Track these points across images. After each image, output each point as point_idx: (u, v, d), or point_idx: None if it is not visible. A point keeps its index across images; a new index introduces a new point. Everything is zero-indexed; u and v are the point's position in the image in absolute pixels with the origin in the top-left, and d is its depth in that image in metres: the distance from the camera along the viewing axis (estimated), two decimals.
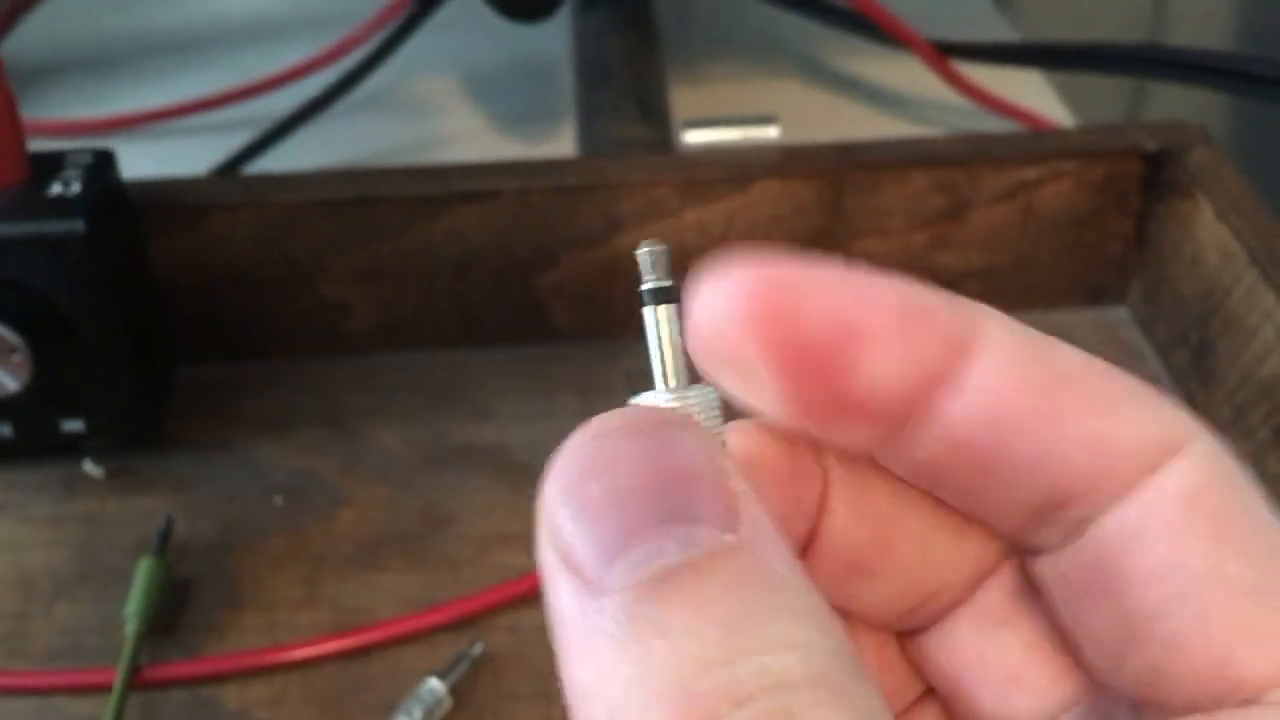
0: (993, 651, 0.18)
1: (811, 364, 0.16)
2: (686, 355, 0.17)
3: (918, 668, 0.20)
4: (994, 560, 0.18)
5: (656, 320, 0.17)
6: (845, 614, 0.19)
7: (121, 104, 0.60)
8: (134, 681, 0.36)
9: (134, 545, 0.40)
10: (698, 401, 0.16)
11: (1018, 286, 0.48)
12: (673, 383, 0.17)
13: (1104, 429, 0.16)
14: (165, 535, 0.39)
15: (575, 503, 0.14)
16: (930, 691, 0.20)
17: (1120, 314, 0.49)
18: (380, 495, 0.42)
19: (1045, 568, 0.17)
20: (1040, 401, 0.16)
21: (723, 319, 0.16)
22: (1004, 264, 0.47)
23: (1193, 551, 0.16)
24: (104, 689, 0.36)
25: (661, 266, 0.17)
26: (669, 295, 0.17)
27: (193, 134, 0.59)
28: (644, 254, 0.17)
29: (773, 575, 0.14)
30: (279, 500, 0.42)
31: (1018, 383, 0.16)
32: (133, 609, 0.37)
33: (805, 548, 0.18)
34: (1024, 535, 0.18)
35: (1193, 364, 0.44)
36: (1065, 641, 0.18)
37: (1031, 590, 0.18)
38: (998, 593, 0.18)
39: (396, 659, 0.37)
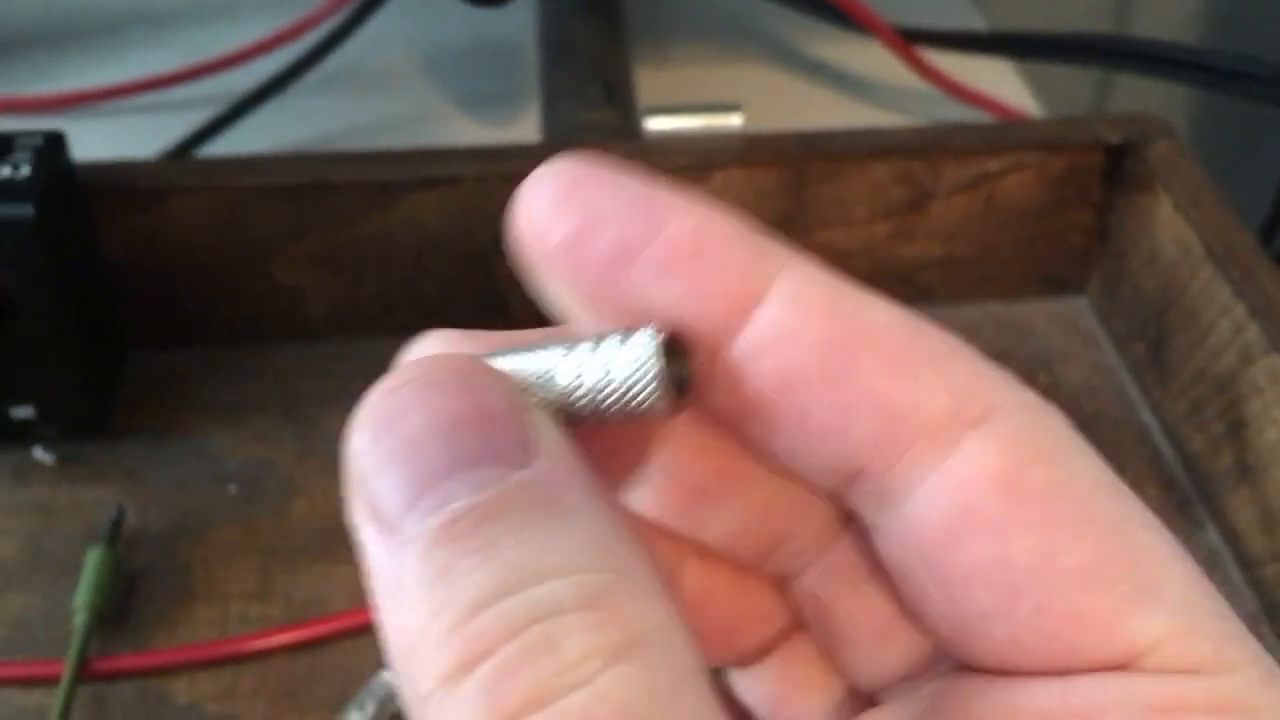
0: (859, 605, 0.18)
1: (599, 278, 0.16)
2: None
3: (795, 610, 0.19)
4: (844, 512, 0.18)
5: None
6: (698, 545, 0.19)
7: (76, 81, 0.59)
8: (83, 673, 0.35)
9: (85, 535, 0.39)
10: (518, 361, 0.16)
11: (979, 277, 0.48)
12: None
13: (899, 393, 0.15)
14: (116, 525, 0.39)
15: (376, 451, 0.14)
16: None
17: (1080, 305, 0.49)
18: (335, 484, 0.41)
19: (878, 538, 0.17)
20: (832, 361, 0.15)
21: (530, 214, 0.16)
22: (965, 254, 0.47)
23: (1020, 543, 0.15)
24: (53, 681, 0.35)
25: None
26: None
27: (149, 112, 0.58)
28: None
29: (558, 507, 0.14)
30: (232, 489, 0.41)
31: (807, 339, 0.15)
32: (81, 600, 0.36)
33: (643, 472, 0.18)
34: (841, 500, 0.17)
35: (1150, 357, 0.45)
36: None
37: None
38: (862, 545, 0.18)
39: (350, 651, 0.37)
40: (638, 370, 0.15)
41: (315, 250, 0.44)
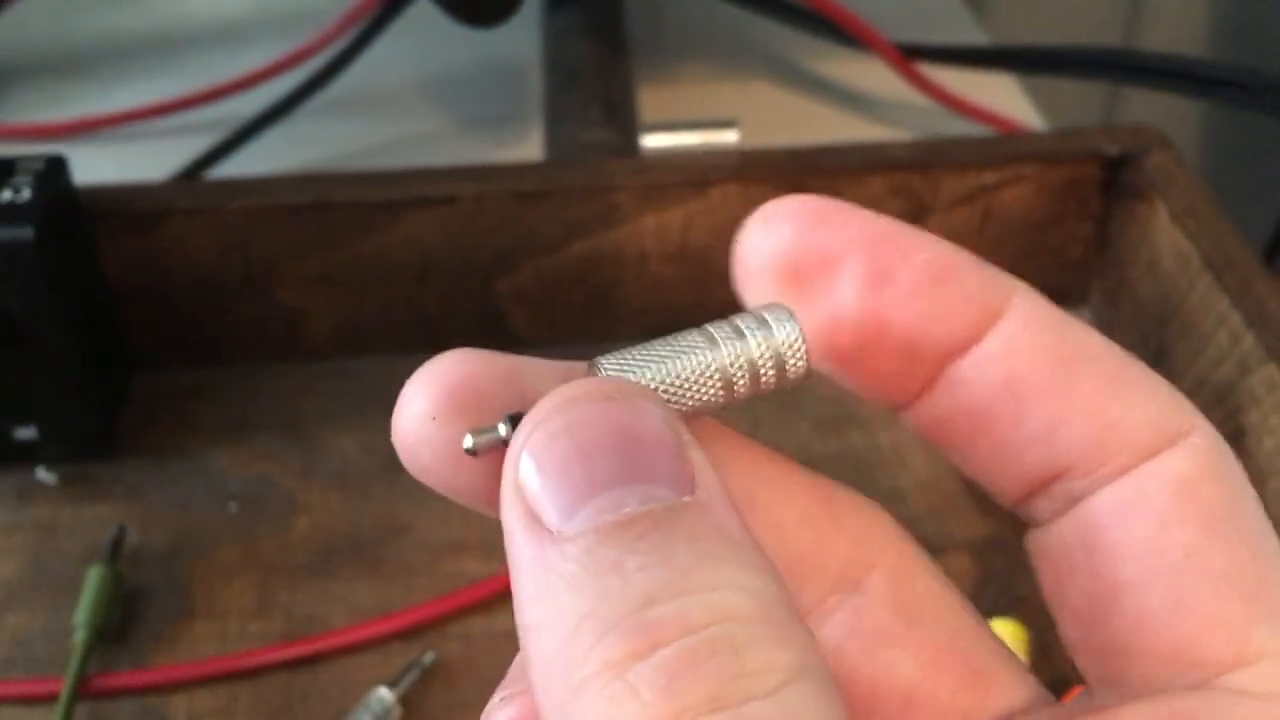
0: (884, 672, 0.18)
1: (853, 296, 0.17)
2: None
3: None
4: (861, 562, 0.18)
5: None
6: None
7: (86, 107, 0.60)
8: (82, 691, 0.36)
9: (86, 554, 0.39)
10: (656, 375, 0.16)
11: None
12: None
13: (1112, 408, 0.17)
14: (116, 544, 0.39)
15: (541, 458, 0.15)
16: None
17: (1081, 317, 0.48)
18: (336, 502, 0.42)
19: (1038, 539, 0.18)
20: (1055, 373, 0.17)
21: (764, 249, 0.17)
22: None
23: (1176, 536, 0.16)
24: (53, 699, 0.35)
25: (487, 435, 0.16)
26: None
27: (157, 137, 0.59)
28: (476, 443, 0.16)
29: (724, 531, 0.14)
30: (234, 508, 0.42)
31: (1036, 353, 0.17)
32: (82, 618, 0.37)
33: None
34: (1023, 504, 0.18)
35: (1151, 367, 0.44)
36: (969, 648, 0.18)
37: (916, 603, 0.18)
38: (883, 610, 0.18)
39: (347, 668, 0.37)
40: (792, 342, 0.17)
41: (316, 270, 0.45)
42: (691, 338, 0.17)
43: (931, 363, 0.17)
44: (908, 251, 0.17)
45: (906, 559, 0.18)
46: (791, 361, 0.17)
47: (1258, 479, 0.38)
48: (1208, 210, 0.43)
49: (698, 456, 0.15)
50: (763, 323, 0.17)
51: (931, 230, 0.53)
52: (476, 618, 0.38)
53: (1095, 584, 0.17)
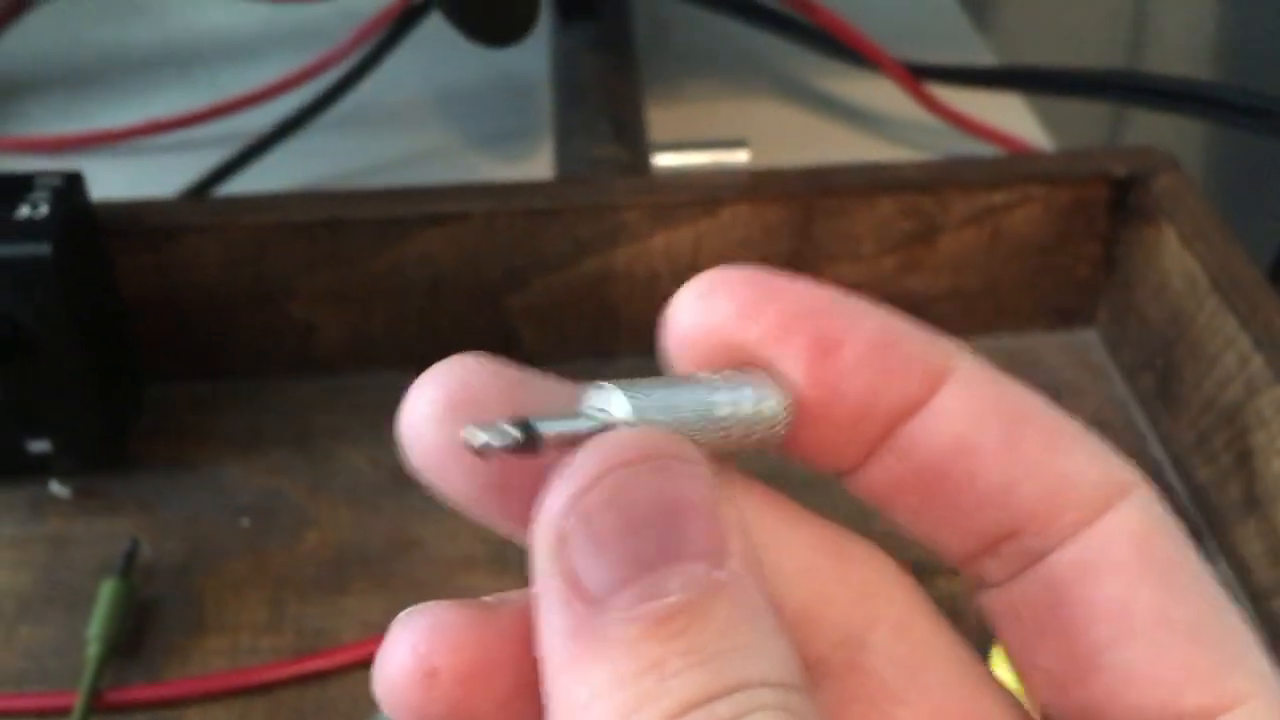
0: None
1: (802, 365, 0.17)
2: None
3: None
4: (865, 617, 0.18)
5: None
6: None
7: (97, 121, 0.60)
8: (95, 704, 0.36)
9: (99, 566, 0.40)
10: (673, 419, 0.17)
11: (987, 310, 0.48)
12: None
13: (1061, 465, 0.17)
14: (130, 557, 0.39)
15: (590, 527, 0.15)
16: None
17: (1089, 337, 0.49)
18: (347, 517, 0.42)
19: (995, 599, 0.18)
20: (1003, 433, 0.17)
21: (702, 324, 0.17)
22: (973, 287, 0.48)
23: (1143, 592, 0.17)
24: (65, 712, 0.36)
25: (487, 433, 0.16)
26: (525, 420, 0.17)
27: (169, 151, 0.59)
28: (483, 443, 0.16)
29: (751, 610, 0.15)
30: (245, 521, 0.42)
31: (983, 413, 0.17)
32: (95, 631, 0.37)
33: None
34: (972, 564, 0.18)
35: (1158, 389, 0.45)
36: (972, 699, 0.18)
37: (919, 657, 0.18)
38: (886, 667, 0.18)
39: (359, 683, 0.37)
40: (767, 403, 0.17)
41: (328, 286, 0.45)
42: (692, 382, 0.17)
43: (878, 428, 0.17)
44: (852, 321, 0.17)
45: (910, 609, 0.18)
46: (776, 427, 0.17)
47: (1266, 499, 0.38)
48: (1216, 232, 0.43)
49: (730, 517, 0.16)
50: (750, 385, 0.17)
51: (941, 250, 0.53)
52: None
53: (1068, 644, 0.17)
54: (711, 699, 0.14)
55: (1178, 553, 0.17)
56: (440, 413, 0.16)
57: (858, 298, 0.18)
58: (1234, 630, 0.17)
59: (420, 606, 0.17)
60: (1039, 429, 0.17)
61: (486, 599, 0.17)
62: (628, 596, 0.15)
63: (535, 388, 0.17)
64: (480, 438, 0.16)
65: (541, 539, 0.15)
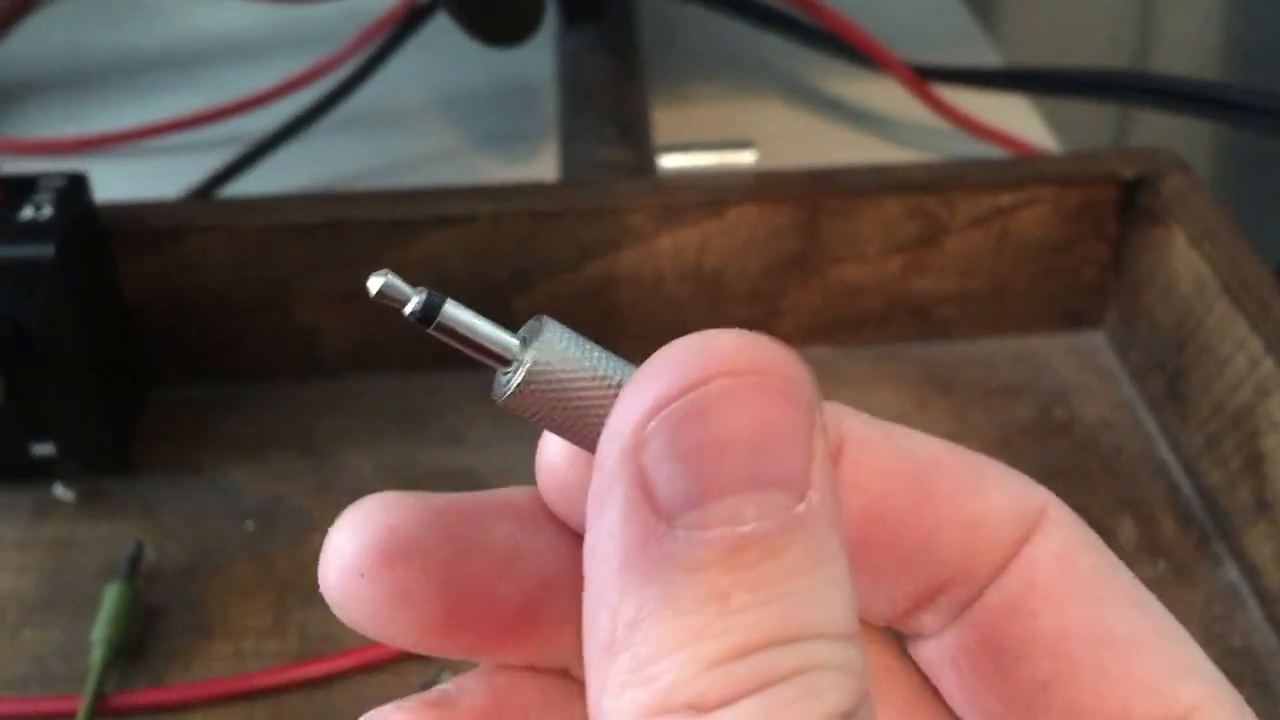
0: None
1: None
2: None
3: None
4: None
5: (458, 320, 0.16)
6: None
7: (101, 122, 0.60)
8: (99, 709, 0.36)
9: (103, 570, 0.39)
10: (570, 362, 0.16)
11: (994, 312, 0.48)
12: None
13: (975, 508, 0.17)
14: (134, 561, 0.39)
15: (674, 433, 0.14)
16: None
17: (1097, 339, 0.49)
18: None
19: (930, 651, 0.18)
20: (911, 489, 0.17)
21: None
22: (980, 289, 0.47)
23: (1076, 615, 0.16)
24: (69, 717, 0.35)
25: (402, 284, 0.16)
26: (438, 298, 0.16)
27: (173, 153, 0.59)
28: (384, 283, 0.16)
29: (824, 555, 0.14)
30: (249, 525, 0.42)
31: (886, 473, 0.17)
32: (99, 635, 0.37)
33: None
34: (905, 622, 0.18)
35: (1167, 391, 0.44)
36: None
37: (926, 681, 0.18)
38: (899, 690, 0.18)
39: (364, 687, 0.37)
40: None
41: (332, 288, 0.45)
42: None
43: None
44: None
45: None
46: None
47: (1277, 503, 0.38)
48: (1225, 234, 0.43)
49: (820, 448, 0.14)
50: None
51: (948, 251, 0.52)
52: None
53: (1012, 686, 0.17)
54: (773, 644, 0.13)
55: (1103, 566, 0.17)
56: (363, 566, 0.16)
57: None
58: (1175, 637, 0.17)
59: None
60: (945, 475, 0.17)
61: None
62: (703, 515, 0.14)
63: (465, 513, 0.17)
64: (379, 285, 0.16)
65: (615, 435, 0.14)
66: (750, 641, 0.13)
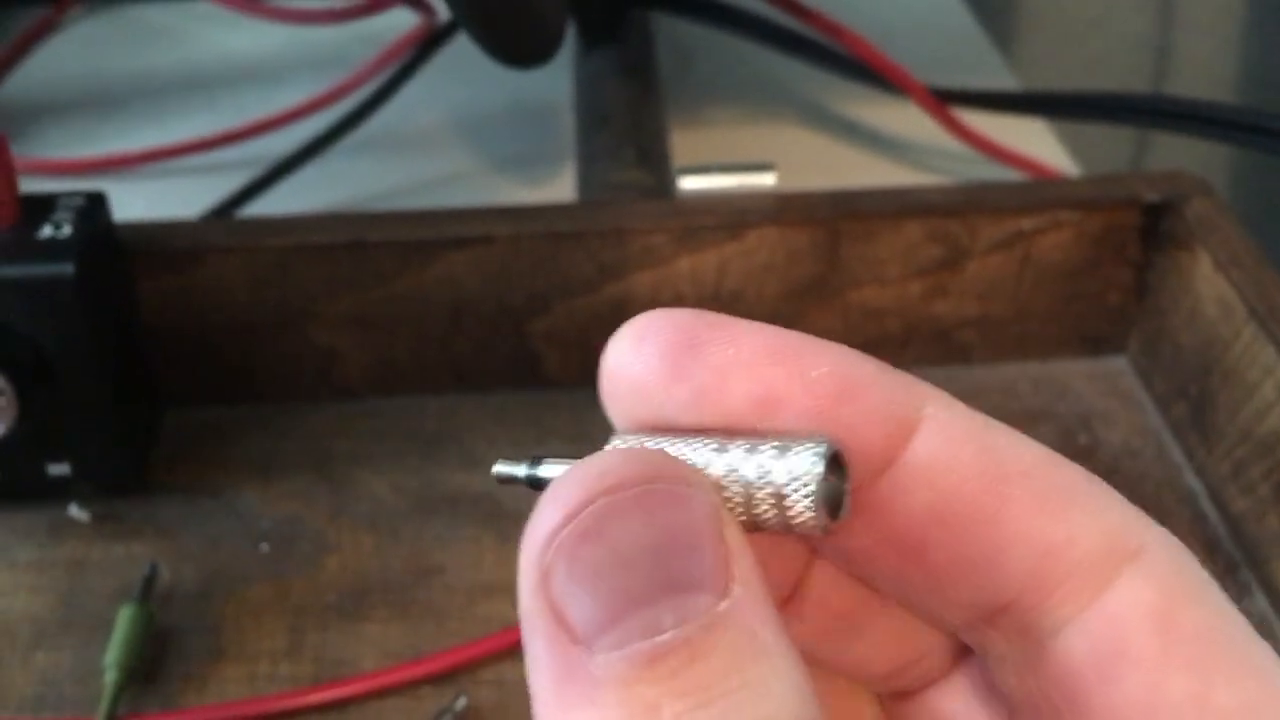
0: None
1: (738, 428, 0.15)
2: None
3: None
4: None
5: None
6: (829, 668, 0.18)
7: (120, 143, 0.60)
8: None
9: (118, 592, 0.39)
10: (677, 443, 0.16)
11: (1015, 336, 0.48)
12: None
13: (1054, 532, 0.15)
14: (148, 582, 0.39)
15: (573, 564, 0.14)
16: None
17: (1120, 364, 0.48)
18: (367, 543, 0.41)
19: (1006, 674, 0.17)
20: (985, 496, 0.15)
21: (633, 375, 0.16)
22: (1002, 313, 0.47)
23: (1175, 682, 0.15)
24: None
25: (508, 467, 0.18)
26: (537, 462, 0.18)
27: (191, 174, 0.59)
28: (496, 473, 0.18)
29: (758, 645, 0.13)
30: (265, 547, 0.41)
31: (960, 471, 0.15)
32: (112, 658, 0.36)
33: (790, 598, 0.17)
34: (971, 634, 0.17)
35: (1192, 417, 0.44)
36: None
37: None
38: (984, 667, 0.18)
39: (378, 712, 0.37)
40: (795, 481, 0.15)
41: (350, 310, 0.45)
42: (720, 439, 0.15)
43: None
44: (801, 368, 0.15)
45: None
46: (792, 503, 0.15)
47: None
48: (1250, 258, 0.42)
49: (734, 540, 0.14)
50: (786, 448, 0.15)
51: (969, 275, 0.52)
52: (510, 662, 0.38)
53: None
54: None
55: (1212, 619, 0.15)
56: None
57: (809, 340, 0.16)
58: None
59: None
60: (1029, 487, 0.15)
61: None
62: (619, 633, 0.13)
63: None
64: (500, 471, 0.17)
65: (524, 573, 0.14)
66: None
